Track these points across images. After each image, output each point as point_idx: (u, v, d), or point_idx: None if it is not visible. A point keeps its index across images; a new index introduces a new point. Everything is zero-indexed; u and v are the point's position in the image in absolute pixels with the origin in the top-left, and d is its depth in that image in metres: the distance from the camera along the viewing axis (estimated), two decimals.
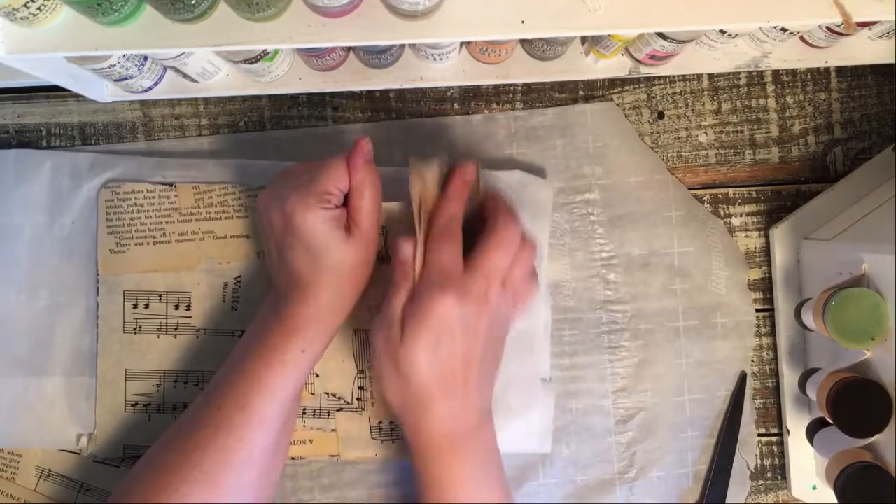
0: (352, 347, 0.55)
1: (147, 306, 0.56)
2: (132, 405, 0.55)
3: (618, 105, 0.59)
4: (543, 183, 0.57)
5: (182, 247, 0.56)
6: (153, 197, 0.57)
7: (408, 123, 0.59)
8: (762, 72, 0.60)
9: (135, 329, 0.56)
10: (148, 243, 0.56)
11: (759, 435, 0.59)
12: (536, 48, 0.53)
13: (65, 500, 0.56)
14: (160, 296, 0.56)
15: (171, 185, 0.57)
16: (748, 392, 0.59)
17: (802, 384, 0.55)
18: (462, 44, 0.53)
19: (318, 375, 0.55)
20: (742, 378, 0.59)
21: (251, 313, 0.53)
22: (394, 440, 0.55)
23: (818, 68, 0.60)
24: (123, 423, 0.55)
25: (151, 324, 0.56)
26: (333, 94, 0.59)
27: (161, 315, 0.56)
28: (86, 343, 0.56)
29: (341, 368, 0.55)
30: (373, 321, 0.49)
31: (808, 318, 0.53)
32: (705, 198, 0.60)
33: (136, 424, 0.55)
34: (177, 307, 0.56)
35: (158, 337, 0.56)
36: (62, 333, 0.56)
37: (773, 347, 0.59)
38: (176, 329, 0.56)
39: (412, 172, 0.50)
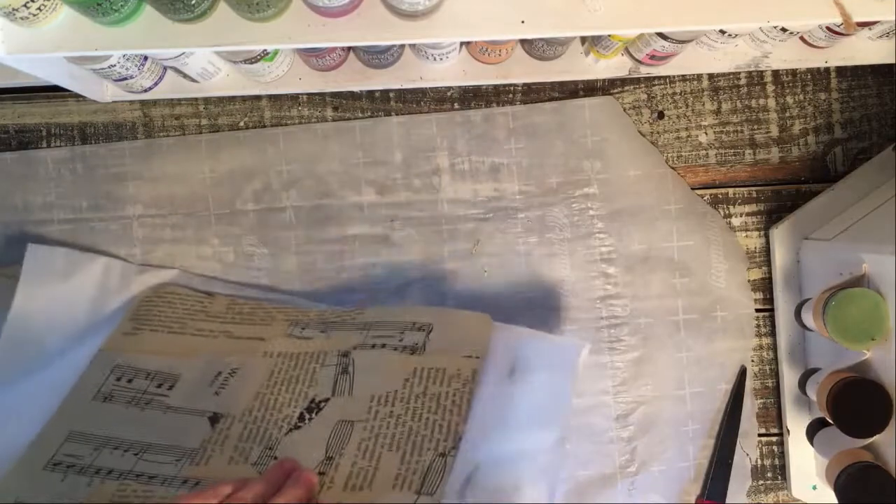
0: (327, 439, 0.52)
1: (130, 381, 0.54)
2: (55, 464, 0.50)
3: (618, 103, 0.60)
4: (567, 348, 0.52)
5: (193, 339, 0.55)
6: (188, 298, 0.57)
7: (408, 119, 0.59)
8: (762, 72, 0.60)
9: (105, 398, 0.53)
10: (163, 331, 0.56)
11: (760, 435, 0.59)
12: (536, 48, 0.53)
13: None
14: (148, 374, 0.54)
15: (209, 293, 0.58)
16: (749, 383, 0.59)
17: (802, 384, 0.55)
18: (462, 44, 0.53)
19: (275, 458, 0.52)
20: (742, 372, 0.59)
21: (232, 399, 0.52)
22: None
23: (818, 68, 0.60)
24: (32, 478, 0.50)
25: (124, 396, 0.53)
26: (333, 94, 0.59)
27: (139, 390, 0.53)
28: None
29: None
30: None
31: (808, 318, 0.53)
32: (705, 198, 0.60)
33: (45, 482, 0.50)
34: (160, 385, 0.54)
35: (125, 408, 0.53)
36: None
37: (773, 347, 0.59)
38: (147, 404, 0.53)
39: None
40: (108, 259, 0.58)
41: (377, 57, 0.52)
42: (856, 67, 0.60)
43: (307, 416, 0.52)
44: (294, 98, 0.59)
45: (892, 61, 0.54)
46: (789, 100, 0.60)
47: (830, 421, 0.49)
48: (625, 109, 0.60)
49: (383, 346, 0.54)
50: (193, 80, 0.53)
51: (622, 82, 0.60)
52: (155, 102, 0.59)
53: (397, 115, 0.59)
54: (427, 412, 0.51)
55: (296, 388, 0.53)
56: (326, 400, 0.52)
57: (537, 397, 0.50)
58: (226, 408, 0.52)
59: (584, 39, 0.54)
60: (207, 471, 0.50)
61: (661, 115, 0.60)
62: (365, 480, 0.49)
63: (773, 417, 0.59)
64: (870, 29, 0.52)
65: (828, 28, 0.51)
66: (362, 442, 0.51)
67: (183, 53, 0.48)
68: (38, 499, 0.50)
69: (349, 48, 0.53)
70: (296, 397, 0.53)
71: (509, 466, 0.48)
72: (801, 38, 0.54)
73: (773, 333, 0.59)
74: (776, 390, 0.59)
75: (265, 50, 0.48)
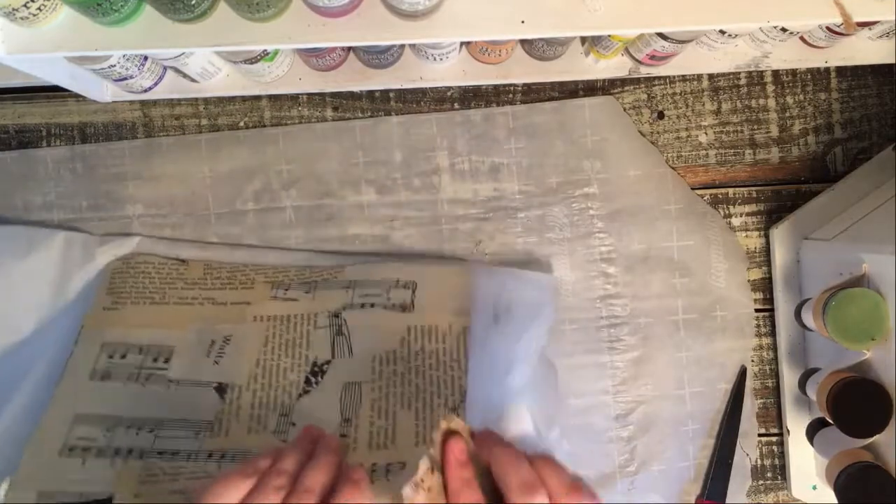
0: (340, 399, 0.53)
1: (124, 356, 0.53)
2: (70, 449, 0.50)
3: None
4: (544, 282, 0.56)
5: (179, 308, 0.55)
6: (163, 267, 0.57)
7: (408, 119, 0.59)
8: (762, 72, 0.60)
9: (102, 376, 0.52)
10: (144, 303, 0.55)
11: (760, 435, 0.59)
12: (536, 48, 0.53)
13: None
14: (140, 348, 0.54)
15: (183, 260, 0.57)
16: (749, 383, 0.59)
17: (802, 384, 0.55)
18: (462, 44, 0.53)
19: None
20: (742, 372, 0.59)
21: (234, 368, 0.52)
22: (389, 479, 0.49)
23: (818, 68, 0.60)
24: (50, 467, 0.49)
25: (122, 372, 0.53)
26: (333, 94, 0.59)
27: (135, 365, 0.53)
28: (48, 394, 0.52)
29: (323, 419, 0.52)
30: None
31: (808, 318, 0.53)
32: (705, 198, 0.60)
33: (65, 469, 0.49)
34: (155, 359, 0.53)
35: (125, 385, 0.52)
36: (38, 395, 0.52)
37: (773, 347, 0.59)
38: (147, 379, 0.52)
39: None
40: (67, 232, 0.57)
41: (377, 57, 0.52)
42: (856, 67, 0.60)
43: (313, 379, 0.53)
44: (294, 98, 0.59)
45: (892, 61, 0.54)
46: (789, 100, 0.60)
47: (830, 421, 0.49)
48: (625, 109, 0.60)
49: (373, 305, 0.55)
50: (193, 80, 0.53)
51: (622, 82, 0.60)
52: (155, 102, 0.59)
53: (397, 115, 0.59)
54: (429, 369, 0.53)
55: (295, 352, 0.54)
56: (328, 362, 0.53)
57: (522, 337, 0.53)
58: (229, 377, 0.53)
59: (584, 39, 0.54)
60: (229, 442, 0.51)
61: (661, 115, 0.60)
62: (387, 438, 0.51)
63: (773, 417, 0.59)
64: (870, 29, 0.52)
65: (828, 28, 0.51)
66: (374, 402, 0.52)
67: (183, 53, 0.48)
68: (64, 488, 0.49)
69: (349, 48, 0.53)
70: (297, 361, 0.53)
71: (498, 403, 0.49)
72: (801, 38, 0.54)
73: (773, 333, 0.59)
74: (776, 390, 0.59)
75: (265, 50, 0.48)
